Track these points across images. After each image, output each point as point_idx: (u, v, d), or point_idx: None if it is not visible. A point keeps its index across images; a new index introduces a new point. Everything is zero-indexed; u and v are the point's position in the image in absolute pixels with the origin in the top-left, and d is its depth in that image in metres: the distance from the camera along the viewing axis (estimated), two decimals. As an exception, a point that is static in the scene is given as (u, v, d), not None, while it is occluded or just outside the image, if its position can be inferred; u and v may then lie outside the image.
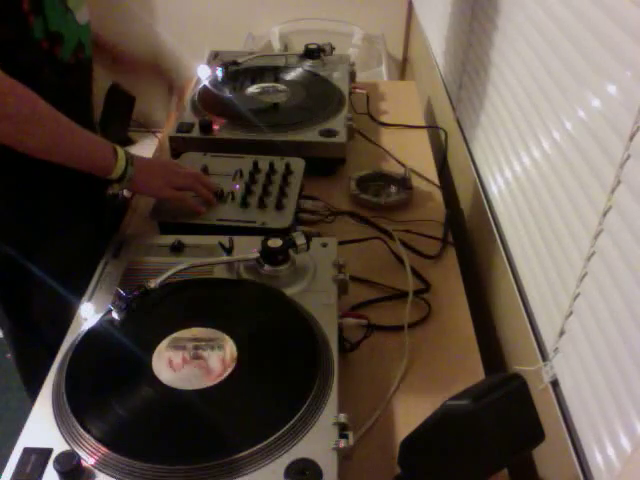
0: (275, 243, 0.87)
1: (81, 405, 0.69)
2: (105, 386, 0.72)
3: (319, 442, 0.66)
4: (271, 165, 1.16)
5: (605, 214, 0.67)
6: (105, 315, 0.80)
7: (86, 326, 0.79)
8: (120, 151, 1.02)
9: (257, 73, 1.47)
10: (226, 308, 0.83)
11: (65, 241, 1.08)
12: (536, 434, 0.63)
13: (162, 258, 0.90)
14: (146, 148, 2.19)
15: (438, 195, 1.24)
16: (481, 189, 1.12)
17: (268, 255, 0.87)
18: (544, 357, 0.81)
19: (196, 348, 0.75)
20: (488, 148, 1.11)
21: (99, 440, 0.65)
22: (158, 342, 0.76)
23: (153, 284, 0.81)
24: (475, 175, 1.16)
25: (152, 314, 0.81)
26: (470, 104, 1.26)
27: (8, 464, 0.63)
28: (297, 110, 1.33)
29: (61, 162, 0.94)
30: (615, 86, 0.67)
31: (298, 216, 1.08)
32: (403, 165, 1.29)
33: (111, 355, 0.76)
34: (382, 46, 2.27)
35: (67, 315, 0.87)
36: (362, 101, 1.52)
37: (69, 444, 0.65)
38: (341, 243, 1.03)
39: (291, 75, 1.48)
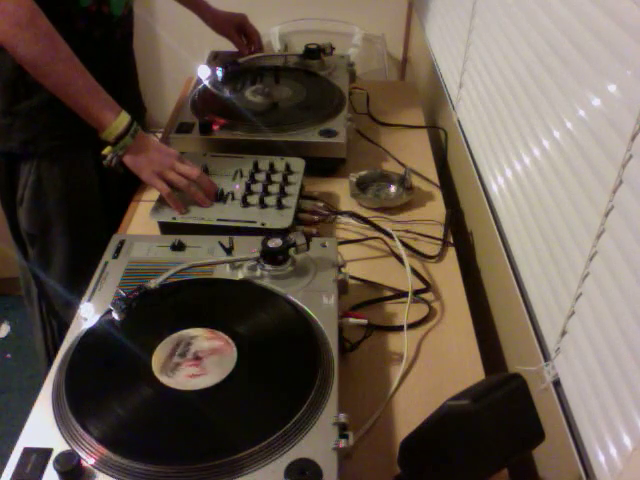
0: (275, 243, 0.87)
1: (81, 405, 0.69)
2: (105, 386, 0.72)
3: (319, 442, 0.65)
4: (271, 165, 1.16)
5: (607, 214, 0.67)
6: (105, 315, 0.80)
7: (86, 326, 0.79)
8: (124, 117, 1.03)
9: (257, 73, 1.47)
10: (226, 308, 0.83)
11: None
12: (536, 434, 0.63)
13: (162, 258, 0.90)
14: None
15: (438, 195, 1.24)
16: (482, 189, 1.12)
17: (268, 255, 0.86)
18: (546, 357, 0.81)
19: (196, 348, 0.75)
20: (489, 148, 1.11)
21: (99, 440, 0.65)
22: (158, 342, 0.76)
23: (153, 284, 0.81)
24: (476, 175, 1.16)
25: (152, 314, 0.81)
26: (470, 104, 1.25)
27: (8, 464, 0.63)
28: (297, 110, 1.33)
29: (66, 101, 1.00)
30: (616, 86, 0.67)
31: (298, 216, 1.08)
32: (403, 165, 1.29)
33: (111, 355, 0.76)
34: (382, 46, 2.27)
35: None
36: (362, 101, 1.52)
37: (69, 444, 0.65)
38: (341, 243, 1.04)
39: (291, 75, 1.48)
